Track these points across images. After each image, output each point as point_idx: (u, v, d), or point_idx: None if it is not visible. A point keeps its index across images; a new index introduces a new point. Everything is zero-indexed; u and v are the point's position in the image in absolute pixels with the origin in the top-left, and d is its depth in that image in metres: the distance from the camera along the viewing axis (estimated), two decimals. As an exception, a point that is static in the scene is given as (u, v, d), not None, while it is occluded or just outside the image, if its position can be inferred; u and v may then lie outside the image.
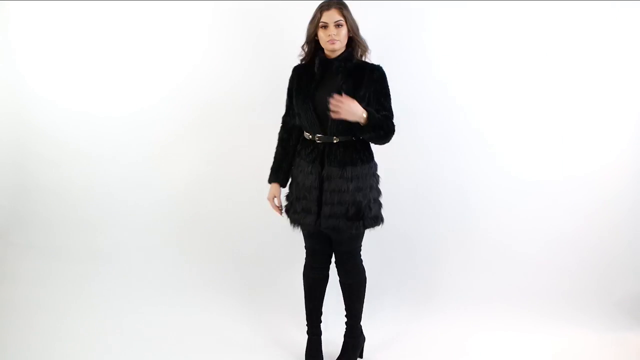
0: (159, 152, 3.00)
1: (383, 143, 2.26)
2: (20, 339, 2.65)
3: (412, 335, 2.76)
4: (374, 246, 2.95)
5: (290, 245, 2.81)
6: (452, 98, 2.94)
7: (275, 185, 2.48)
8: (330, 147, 2.27)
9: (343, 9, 2.25)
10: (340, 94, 2.13)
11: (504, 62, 2.90)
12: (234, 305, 2.95)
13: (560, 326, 2.82)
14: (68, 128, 3.00)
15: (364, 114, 2.13)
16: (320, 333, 2.58)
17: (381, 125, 2.18)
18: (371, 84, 2.24)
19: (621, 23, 2.85)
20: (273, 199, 2.48)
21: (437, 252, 3.04)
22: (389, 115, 2.25)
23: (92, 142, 3.00)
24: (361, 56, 2.32)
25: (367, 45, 2.33)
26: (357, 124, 2.14)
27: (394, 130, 2.24)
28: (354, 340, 2.53)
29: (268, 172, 2.95)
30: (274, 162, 2.48)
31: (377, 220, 2.35)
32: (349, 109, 2.10)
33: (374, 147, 2.36)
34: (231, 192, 3.02)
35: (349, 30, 2.26)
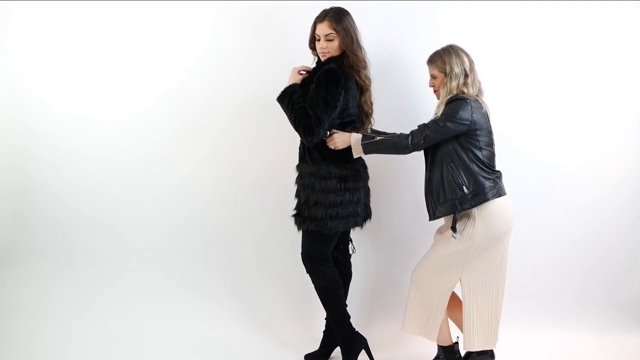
0: (159, 153, 2.99)
1: (300, 134, 2.29)
2: (22, 342, 2.66)
3: (411, 335, 2.76)
4: (372, 246, 2.96)
5: (291, 247, 2.82)
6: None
7: None
8: (301, 142, 2.42)
9: (335, 22, 2.28)
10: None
11: (504, 64, 2.88)
12: (235, 306, 2.95)
13: (561, 328, 2.81)
14: (67, 131, 2.98)
15: (288, 84, 2.34)
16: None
17: (287, 102, 2.30)
18: (315, 80, 2.29)
19: (621, 21, 2.84)
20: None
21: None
22: (310, 111, 2.24)
23: (91, 144, 2.99)
24: (350, 65, 2.34)
25: (361, 59, 2.34)
26: None
27: (303, 125, 2.24)
28: (341, 339, 2.50)
29: (267, 173, 2.97)
30: None
31: (312, 222, 2.33)
32: (291, 73, 2.39)
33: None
34: (231, 193, 3.02)
35: (341, 43, 2.29)
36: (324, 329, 2.62)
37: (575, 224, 2.98)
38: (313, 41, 2.38)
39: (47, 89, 2.97)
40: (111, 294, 2.96)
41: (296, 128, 2.28)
